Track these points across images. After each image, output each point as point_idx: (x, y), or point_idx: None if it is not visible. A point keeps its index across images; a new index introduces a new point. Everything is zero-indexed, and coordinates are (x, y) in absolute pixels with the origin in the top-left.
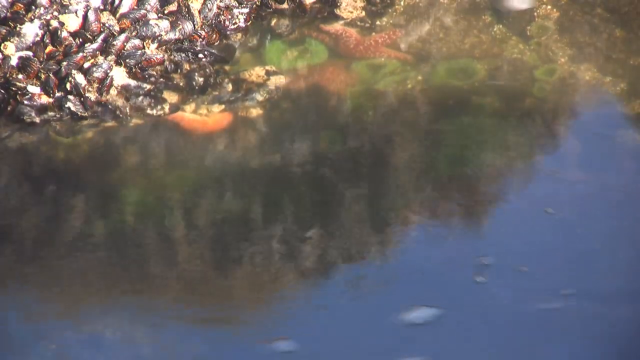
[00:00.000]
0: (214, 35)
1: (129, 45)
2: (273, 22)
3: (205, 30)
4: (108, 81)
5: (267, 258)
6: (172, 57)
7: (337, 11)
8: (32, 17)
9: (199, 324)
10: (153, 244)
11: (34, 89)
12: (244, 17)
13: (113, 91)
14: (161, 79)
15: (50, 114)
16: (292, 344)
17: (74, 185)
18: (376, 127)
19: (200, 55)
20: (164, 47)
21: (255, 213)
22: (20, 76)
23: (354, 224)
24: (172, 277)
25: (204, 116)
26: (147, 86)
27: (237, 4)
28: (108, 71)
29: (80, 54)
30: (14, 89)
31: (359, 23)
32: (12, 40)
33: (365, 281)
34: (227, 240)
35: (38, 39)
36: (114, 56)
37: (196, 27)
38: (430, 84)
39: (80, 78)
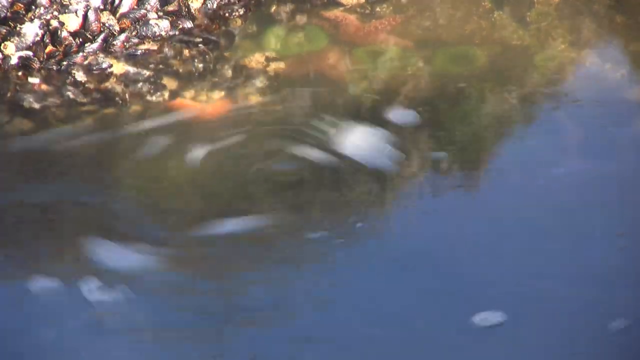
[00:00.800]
0: (214, 26)
1: (129, 45)
2: (273, 8)
3: (205, 22)
4: (108, 75)
5: (267, 244)
6: (172, 45)
7: None
8: (32, 17)
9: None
10: (153, 229)
11: (34, 80)
12: (244, 11)
13: (112, 79)
14: (160, 66)
15: (50, 100)
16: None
17: (73, 172)
18: (376, 113)
19: (198, 40)
20: (163, 43)
21: (255, 199)
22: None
23: (353, 208)
24: (173, 261)
25: (204, 102)
26: (147, 72)
27: (237, 2)
28: (108, 69)
29: (81, 54)
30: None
31: (359, 9)
32: (12, 40)
33: (364, 271)
34: (227, 227)
35: (38, 38)
36: (114, 55)
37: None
38: (431, 71)
39: (80, 76)
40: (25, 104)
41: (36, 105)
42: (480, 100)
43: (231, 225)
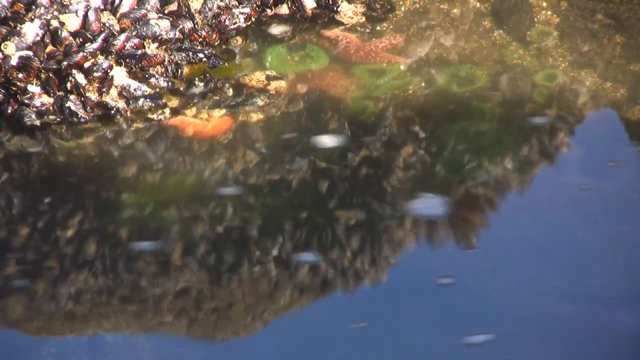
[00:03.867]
0: (214, 35)
1: (129, 45)
2: (273, 27)
3: (206, 30)
4: (108, 81)
5: (267, 270)
6: (172, 57)
7: (338, 17)
8: (33, 17)
9: (196, 337)
10: (153, 250)
11: (34, 88)
12: (244, 16)
13: (113, 91)
14: (162, 82)
15: (51, 117)
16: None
17: (74, 190)
18: (376, 133)
19: (201, 55)
20: (164, 47)
21: (255, 220)
22: (20, 75)
23: (354, 232)
24: (171, 287)
25: (205, 120)
26: (148, 89)
27: (237, 4)
28: (108, 70)
29: (81, 54)
30: (14, 88)
31: (359, 28)
32: (12, 39)
33: (366, 296)
34: (227, 249)
35: (38, 38)
36: (114, 56)
37: (196, 26)
38: (431, 90)
39: (80, 78)
40: (27, 120)
41: (37, 122)
42: (480, 119)
43: (231, 241)
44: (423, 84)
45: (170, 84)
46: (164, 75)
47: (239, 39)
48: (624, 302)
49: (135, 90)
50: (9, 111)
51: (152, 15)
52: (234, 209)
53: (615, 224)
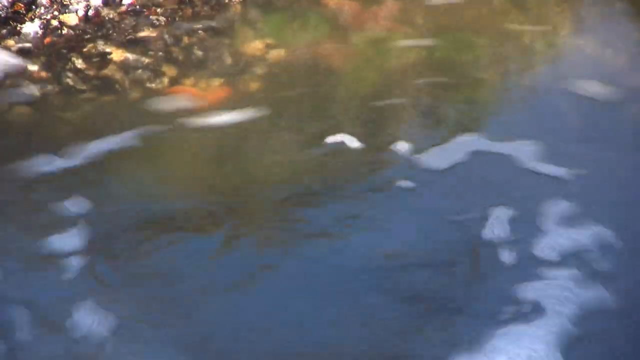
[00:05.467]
0: (213, 12)
1: (128, 32)
2: None
3: (204, 8)
4: (107, 62)
5: (264, 230)
6: (171, 31)
7: None
8: (33, 17)
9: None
10: (152, 215)
11: (33, 67)
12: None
13: (112, 65)
14: (160, 53)
15: (49, 87)
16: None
17: (73, 159)
18: (376, 100)
19: (197, 26)
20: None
21: (252, 186)
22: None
23: (353, 193)
24: (171, 246)
25: (203, 89)
26: (146, 60)
27: None
28: (107, 56)
29: (81, 41)
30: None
31: None
32: (12, 39)
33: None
34: (225, 211)
35: (38, 37)
36: (114, 42)
37: (196, 9)
38: (431, 57)
39: (79, 62)
40: (25, 91)
41: (36, 93)
42: (480, 86)
43: (228, 207)
44: (423, 52)
45: (168, 54)
46: (163, 46)
47: (238, 7)
48: (626, 273)
49: (133, 61)
50: (8, 82)
51: (152, 11)
52: (232, 175)
53: (615, 193)
